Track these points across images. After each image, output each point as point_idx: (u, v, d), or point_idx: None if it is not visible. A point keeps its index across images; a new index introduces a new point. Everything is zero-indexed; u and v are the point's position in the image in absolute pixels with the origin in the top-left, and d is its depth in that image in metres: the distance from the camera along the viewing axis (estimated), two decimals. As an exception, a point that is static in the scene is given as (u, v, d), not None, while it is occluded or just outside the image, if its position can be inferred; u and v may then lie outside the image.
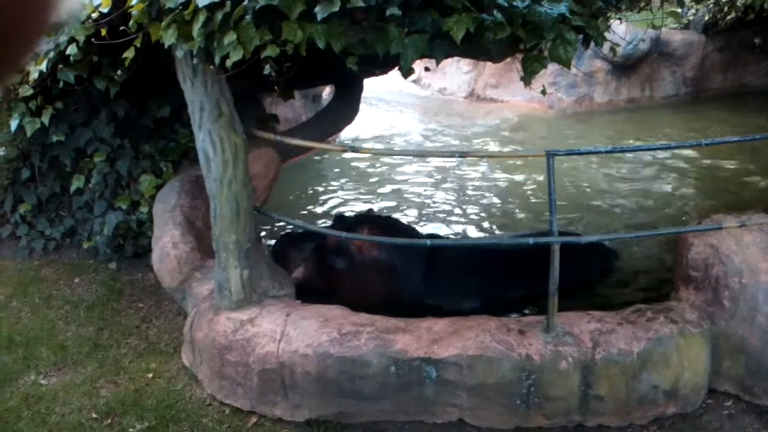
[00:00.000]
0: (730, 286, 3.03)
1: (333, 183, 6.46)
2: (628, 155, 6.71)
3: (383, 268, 3.95)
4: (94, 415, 3.22)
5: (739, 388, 3.08)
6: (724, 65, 9.60)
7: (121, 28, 3.13)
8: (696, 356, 3.00)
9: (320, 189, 6.29)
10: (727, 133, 7.40)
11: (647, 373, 2.93)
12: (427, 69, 3.51)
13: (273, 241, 4.57)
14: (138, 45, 3.11)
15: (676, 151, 6.72)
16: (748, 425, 2.97)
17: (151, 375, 3.51)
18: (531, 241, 3.12)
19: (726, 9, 9.30)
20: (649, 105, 9.28)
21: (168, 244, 3.83)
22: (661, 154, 6.71)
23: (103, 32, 3.32)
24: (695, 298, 3.15)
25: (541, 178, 5.92)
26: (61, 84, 3.89)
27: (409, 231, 4.28)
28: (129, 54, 3.16)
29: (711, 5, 9.25)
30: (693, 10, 9.41)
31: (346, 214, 4.77)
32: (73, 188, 4.54)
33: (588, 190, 5.97)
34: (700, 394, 3.06)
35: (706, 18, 9.44)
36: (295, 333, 3.08)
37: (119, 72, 3.84)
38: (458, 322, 3.09)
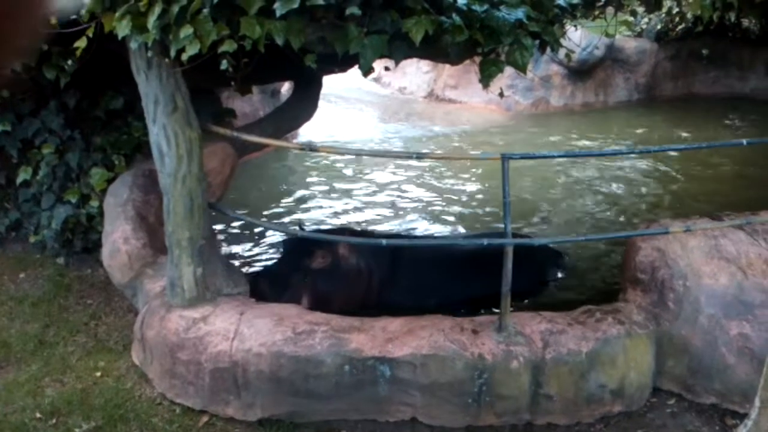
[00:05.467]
0: (675, 289, 3.14)
1: (290, 180, 6.42)
2: (582, 160, 6.86)
3: (367, 272, 3.93)
4: (38, 415, 3.12)
5: (681, 387, 3.19)
6: (675, 73, 9.91)
7: (73, 16, 3.04)
8: (641, 356, 3.10)
9: (278, 186, 6.23)
10: (676, 140, 7.64)
11: (595, 373, 3.01)
12: (387, 69, 3.52)
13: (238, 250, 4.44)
14: (90, 35, 3.02)
15: (627, 157, 6.91)
16: (689, 423, 3.08)
17: (99, 373, 3.42)
18: (486, 242, 3.17)
19: (677, 19, 9.60)
20: (603, 110, 9.51)
21: (119, 239, 3.74)
22: (611, 160, 6.88)
23: (53, 20, 3.21)
24: (642, 300, 3.25)
25: (495, 180, 6.00)
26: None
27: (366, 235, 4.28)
28: (81, 44, 3.07)
29: (663, 15, 9.54)
30: (646, 19, 9.68)
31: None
32: (19, 180, 4.38)
33: (543, 193, 6.08)
34: (645, 393, 3.16)
35: (659, 27, 9.73)
36: (249, 332, 3.05)
37: (70, 62, 3.72)
38: (413, 322, 3.12)
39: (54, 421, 3.09)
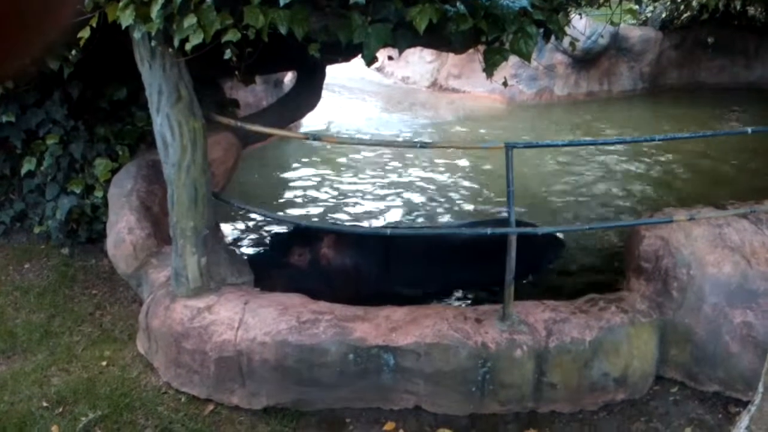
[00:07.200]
0: (679, 278, 3.14)
1: (292, 170, 6.42)
2: (586, 148, 6.84)
3: (354, 271, 3.90)
4: (45, 404, 3.15)
5: (684, 375, 3.20)
6: (680, 62, 9.86)
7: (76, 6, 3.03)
8: (645, 345, 3.10)
9: (280, 176, 6.24)
10: (680, 129, 7.61)
11: (598, 361, 3.01)
12: (390, 58, 3.50)
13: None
14: (94, 25, 3.02)
15: (631, 145, 6.89)
16: (692, 411, 3.09)
17: (104, 363, 3.44)
18: (489, 231, 3.17)
19: (682, 7, 9.54)
20: (607, 99, 9.47)
21: (123, 229, 3.75)
22: (616, 148, 6.86)
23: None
24: (646, 289, 3.25)
25: (496, 167, 5.99)
26: (11, 62, 3.74)
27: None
28: (84, 34, 3.06)
29: (668, 3, 9.48)
30: (651, 8, 9.63)
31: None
32: (23, 171, 4.39)
33: (544, 182, 6.07)
34: (648, 381, 3.17)
35: (664, 15, 9.66)
36: (254, 321, 3.06)
37: (74, 52, 3.71)
38: (416, 311, 3.13)
39: (60, 409, 3.12)
